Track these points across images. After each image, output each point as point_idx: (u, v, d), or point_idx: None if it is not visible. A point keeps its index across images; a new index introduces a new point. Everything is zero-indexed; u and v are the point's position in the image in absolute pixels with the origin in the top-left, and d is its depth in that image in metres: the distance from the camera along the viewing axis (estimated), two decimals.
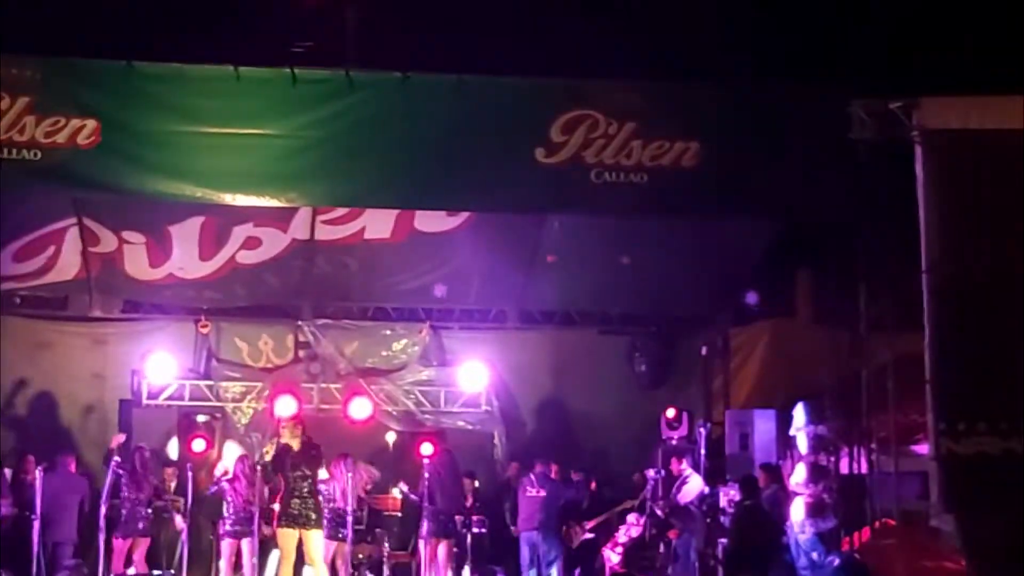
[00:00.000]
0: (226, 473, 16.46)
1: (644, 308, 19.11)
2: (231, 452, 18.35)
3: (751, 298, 18.62)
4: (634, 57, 14.62)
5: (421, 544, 16.54)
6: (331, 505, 15.70)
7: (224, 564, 16.07)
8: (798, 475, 15.46)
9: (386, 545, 16.60)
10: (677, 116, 14.32)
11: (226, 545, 16.07)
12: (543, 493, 17.10)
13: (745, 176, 14.32)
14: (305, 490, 14.63)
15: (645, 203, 14.53)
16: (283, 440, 14.93)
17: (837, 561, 13.91)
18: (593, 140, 14.13)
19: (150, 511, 16.51)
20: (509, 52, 13.93)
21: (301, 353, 19.36)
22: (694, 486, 16.62)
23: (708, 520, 16.28)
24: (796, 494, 15.34)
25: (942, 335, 13.79)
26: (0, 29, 13.30)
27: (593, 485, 18.12)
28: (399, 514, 17.49)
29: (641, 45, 14.28)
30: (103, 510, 15.91)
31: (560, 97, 14.21)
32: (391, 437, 19.16)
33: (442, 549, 16.64)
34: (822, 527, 14.94)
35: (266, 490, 15.20)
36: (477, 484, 18.03)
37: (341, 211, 17.48)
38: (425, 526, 16.37)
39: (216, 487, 16.39)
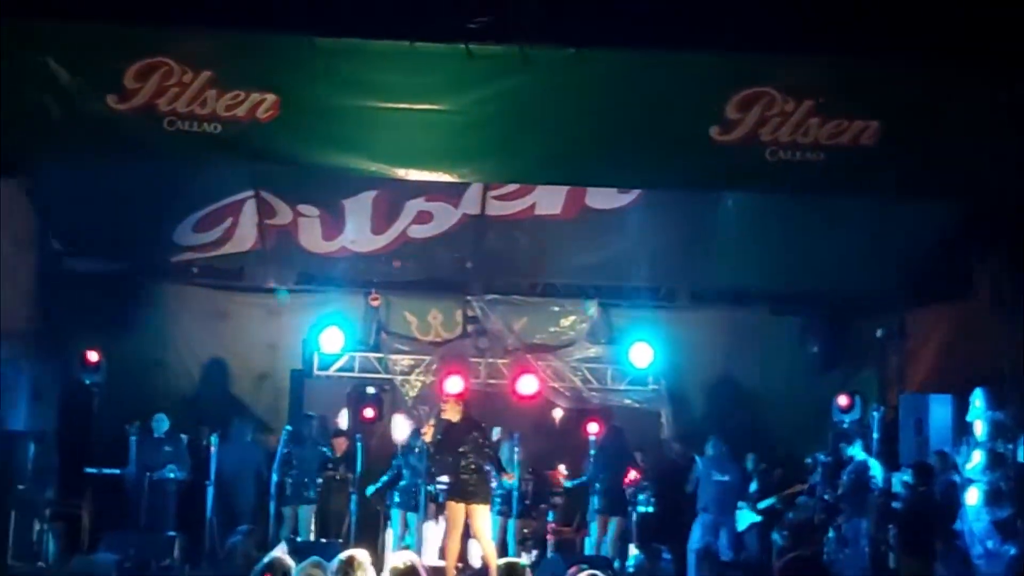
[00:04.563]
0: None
1: (818, 288, 18.78)
2: (399, 424, 18.56)
3: None
4: (813, 33, 14.29)
5: (596, 519, 16.57)
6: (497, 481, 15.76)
7: (392, 534, 16.27)
8: (975, 462, 15.14)
9: (550, 520, 16.63)
10: (857, 94, 13.92)
11: (397, 515, 16.29)
12: (727, 478, 17.07)
13: (927, 156, 13.94)
14: (472, 466, 14.66)
15: (821, 182, 14.25)
16: (445, 415, 14.99)
17: (1013, 550, 13.63)
18: (769, 118, 13.84)
19: (319, 480, 16.78)
20: (686, 27, 13.69)
21: (469, 328, 19.48)
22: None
23: (880, 505, 15.97)
24: (972, 481, 15.01)
25: None
26: (183, 4, 13.53)
27: (763, 467, 17.93)
28: (564, 489, 17.53)
29: (820, 21, 13.92)
30: (275, 478, 16.23)
31: (737, 74, 13.95)
32: (557, 413, 19.19)
33: (613, 526, 16.63)
34: (998, 515, 14.62)
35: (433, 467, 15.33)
36: (643, 462, 17.92)
37: (512, 186, 17.54)
38: (597, 502, 16.42)
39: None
